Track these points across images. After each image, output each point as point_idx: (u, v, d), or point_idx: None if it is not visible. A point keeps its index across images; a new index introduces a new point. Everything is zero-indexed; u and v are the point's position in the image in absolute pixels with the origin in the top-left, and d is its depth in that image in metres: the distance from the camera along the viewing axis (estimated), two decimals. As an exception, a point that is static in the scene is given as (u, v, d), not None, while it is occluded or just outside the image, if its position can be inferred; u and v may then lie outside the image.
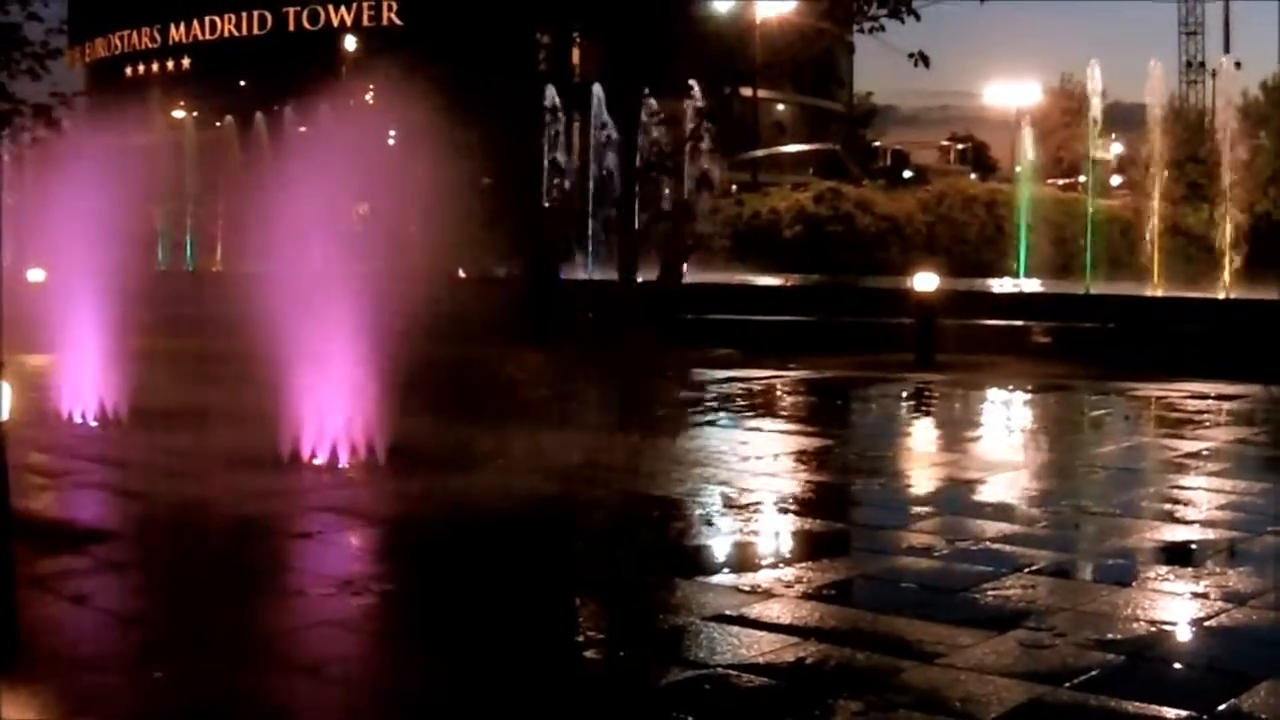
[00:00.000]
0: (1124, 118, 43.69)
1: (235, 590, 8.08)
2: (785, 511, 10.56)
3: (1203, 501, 10.63)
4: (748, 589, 8.01)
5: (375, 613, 7.79)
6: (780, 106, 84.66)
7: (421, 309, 11.81)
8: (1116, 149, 49.37)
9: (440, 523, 10.02)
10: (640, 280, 25.64)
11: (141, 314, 14.99)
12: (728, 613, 7.47)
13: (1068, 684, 6.26)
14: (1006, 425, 16.70)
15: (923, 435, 15.83)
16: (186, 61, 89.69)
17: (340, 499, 10.71)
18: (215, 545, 9.22)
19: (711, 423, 15.69)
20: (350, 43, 72.22)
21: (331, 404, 11.80)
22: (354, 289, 11.74)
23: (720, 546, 9.50)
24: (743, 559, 9.07)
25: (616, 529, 10.20)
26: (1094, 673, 6.42)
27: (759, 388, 18.53)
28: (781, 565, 8.76)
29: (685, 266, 23.32)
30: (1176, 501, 10.59)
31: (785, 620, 7.38)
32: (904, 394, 18.39)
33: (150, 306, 15.47)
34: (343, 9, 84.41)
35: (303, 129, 39.50)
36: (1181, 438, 13.96)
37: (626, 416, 15.56)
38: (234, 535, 9.41)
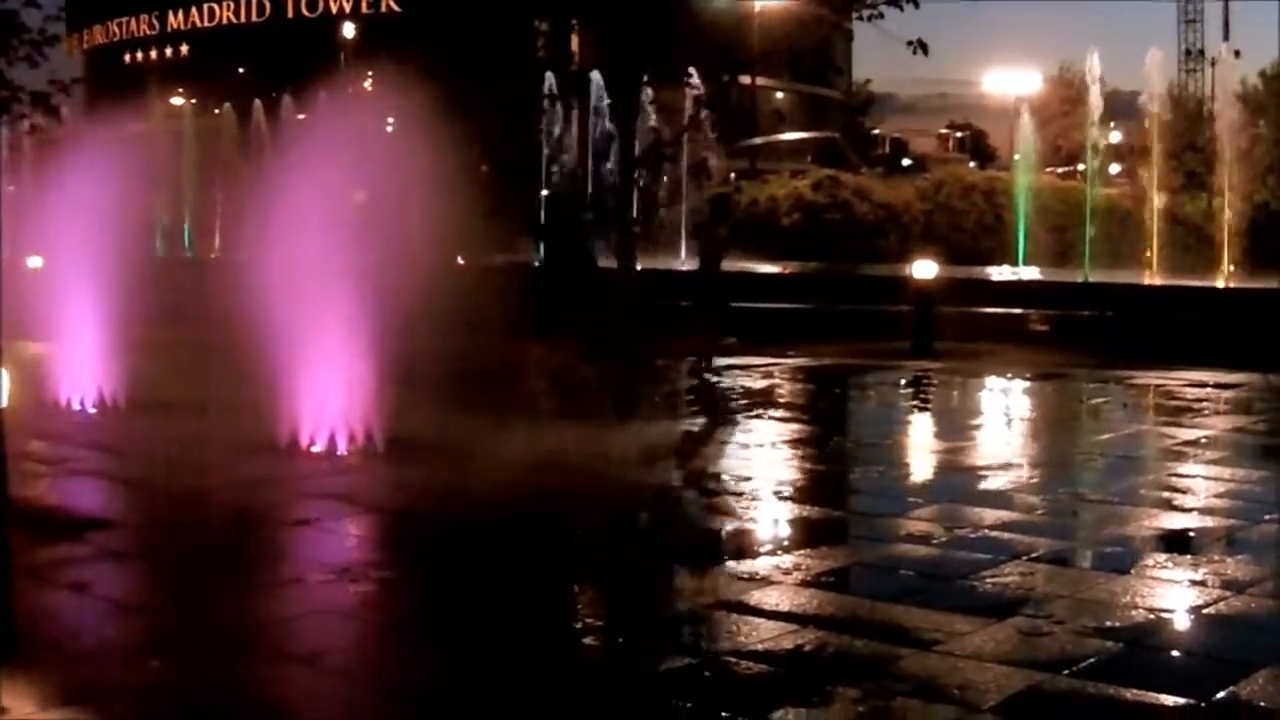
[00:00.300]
0: (1123, 106, 43.64)
1: (234, 578, 8.07)
2: (784, 499, 10.56)
3: (1201, 489, 10.63)
4: (746, 576, 8.02)
5: (374, 601, 7.79)
6: (779, 94, 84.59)
7: (421, 298, 11.80)
8: (1115, 137, 49.33)
9: (439, 511, 10.01)
10: (641, 268, 25.59)
11: (140, 301, 14.97)
12: (727, 600, 7.48)
13: (1066, 671, 6.27)
14: (1005, 413, 16.70)
15: (920, 423, 15.84)
16: (185, 49, 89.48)
17: (339, 487, 10.70)
18: (214, 533, 9.22)
19: (710, 411, 15.68)
20: (349, 30, 72.01)
21: (331, 393, 11.79)
22: (353, 277, 11.72)
23: (719, 534, 9.50)
24: (742, 546, 9.08)
25: (616, 517, 10.18)
26: (1092, 660, 6.43)
27: (758, 375, 18.52)
28: (780, 552, 8.76)
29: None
30: (1175, 489, 10.60)
31: (784, 608, 7.39)
32: (902, 382, 18.39)
33: (148, 294, 15.43)
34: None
35: (301, 116, 39.47)
36: (1180, 426, 13.96)
37: (626, 406, 15.55)
38: (233, 523, 9.41)
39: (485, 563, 8.60)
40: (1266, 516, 9.75)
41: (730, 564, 8.48)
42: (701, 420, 14.97)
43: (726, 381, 17.85)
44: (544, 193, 35.61)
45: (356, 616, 7.44)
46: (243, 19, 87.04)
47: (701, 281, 21.07)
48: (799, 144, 75.71)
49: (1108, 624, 6.98)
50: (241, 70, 73.25)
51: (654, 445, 12.78)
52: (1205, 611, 7.33)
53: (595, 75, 33.75)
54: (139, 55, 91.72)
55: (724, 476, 11.24)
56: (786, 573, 8.08)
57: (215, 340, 13.56)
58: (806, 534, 9.43)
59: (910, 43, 20.89)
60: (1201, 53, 74.26)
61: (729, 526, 9.68)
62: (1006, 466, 12.00)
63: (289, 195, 12.10)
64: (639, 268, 22.49)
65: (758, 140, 64.24)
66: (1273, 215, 35.39)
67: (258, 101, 43.29)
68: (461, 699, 6.15)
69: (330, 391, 11.78)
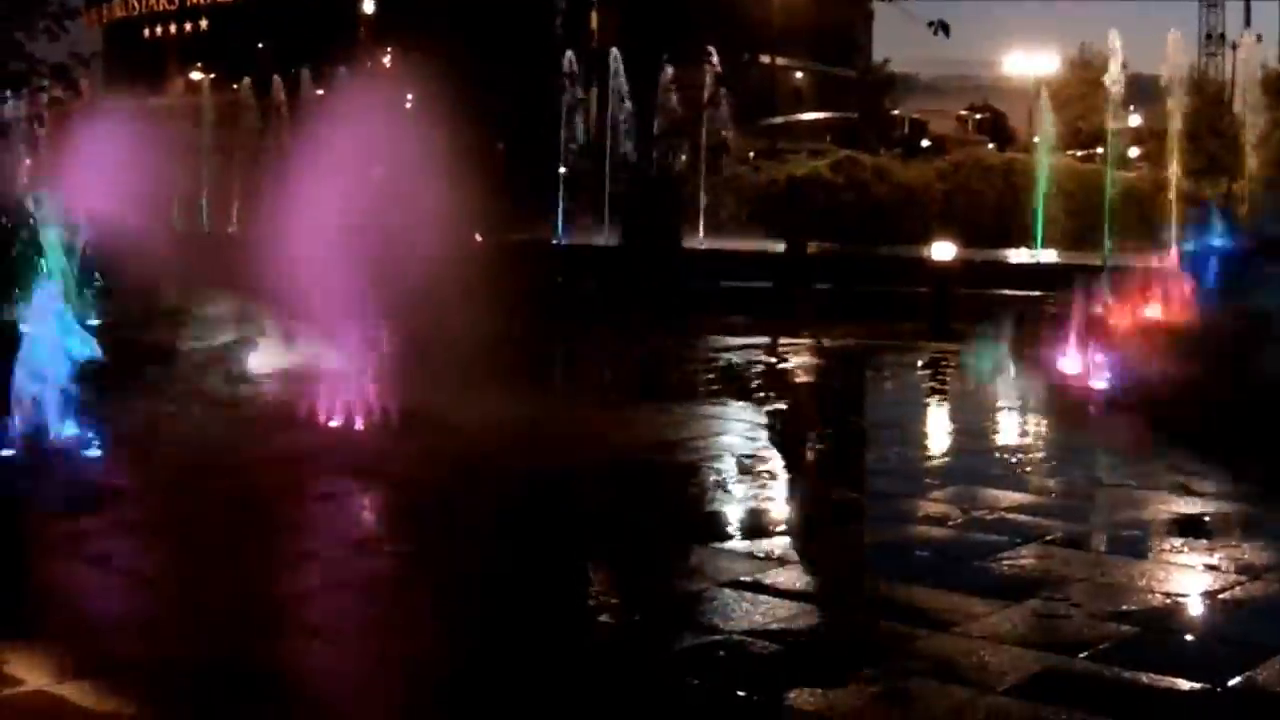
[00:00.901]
0: (1143, 89, 43.47)
1: (251, 550, 8.09)
2: (800, 479, 10.56)
3: (1216, 474, 10.59)
4: (762, 555, 8.02)
5: (388, 575, 7.81)
6: (798, 74, 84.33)
7: (440, 274, 11.79)
8: (1135, 120, 49.16)
9: (455, 487, 10.01)
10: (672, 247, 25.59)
11: (157, 274, 14.96)
12: (742, 579, 7.48)
13: (1082, 654, 6.27)
14: (1021, 396, 16.63)
15: (936, 405, 15.80)
16: (204, 23, 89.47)
17: (357, 461, 10.69)
18: (231, 505, 9.21)
19: (724, 391, 15.67)
20: (369, 6, 71.94)
21: (351, 367, 11.78)
22: (371, 253, 11.71)
23: (734, 513, 9.50)
24: (757, 525, 9.07)
25: (631, 495, 10.18)
26: (1108, 644, 6.43)
27: (774, 356, 18.50)
28: (796, 532, 8.76)
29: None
30: (1191, 473, 10.56)
31: (799, 587, 7.40)
32: (919, 363, 18.35)
33: (165, 267, 15.43)
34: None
35: (320, 91, 39.47)
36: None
37: (644, 385, 15.56)
38: (250, 496, 9.42)
39: (502, 540, 8.62)
40: (1283, 502, 9.72)
41: (746, 543, 8.47)
42: (716, 399, 14.96)
43: (739, 360, 17.84)
44: (560, 170, 35.58)
45: (373, 590, 7.45)
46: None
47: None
48: (818, 124, 75.50)
49: (1124, 608, 6.98)
50: (260, 45, 73.18)
51: (667, 423, 12.76)
52: (1221, 596, 7.32)
53: (614, 53, 33.71)
54: (158, 30, 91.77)
55: (739, 456, 11.23)
56: (802, 552, 8.09)
57: (238, 314, 13.58)
58: (823, 513, 9.43)
59: (931, 23, 20.85)
60: (1222, 37, 73.99)
61: (744, 505, 9.68)
62: (1023, 449, 11.99)
63: (307, 170, 12.11)
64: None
65: (777, 120, 64.07)
66: (1293, 198, 35.18)
67: (276, 77, 43.25)
68: (479, 672, 6.15)
69: (351, 367, 11.77)
